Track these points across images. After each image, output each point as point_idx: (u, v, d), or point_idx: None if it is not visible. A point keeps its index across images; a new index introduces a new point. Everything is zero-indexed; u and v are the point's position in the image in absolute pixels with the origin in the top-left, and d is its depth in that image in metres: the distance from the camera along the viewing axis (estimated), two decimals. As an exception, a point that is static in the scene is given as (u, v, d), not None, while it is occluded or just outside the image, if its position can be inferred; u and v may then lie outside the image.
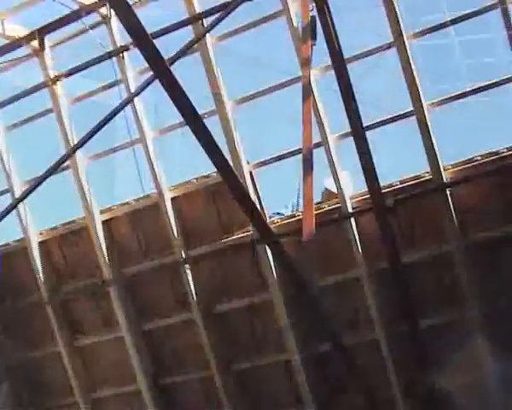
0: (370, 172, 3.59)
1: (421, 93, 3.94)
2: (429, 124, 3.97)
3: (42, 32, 4.42)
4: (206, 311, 4.58)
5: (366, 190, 3.89)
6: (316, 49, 3.70)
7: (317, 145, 4.20)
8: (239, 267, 4.50)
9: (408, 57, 3.90)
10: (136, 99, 4.26)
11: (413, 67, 3.91)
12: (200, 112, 2.83)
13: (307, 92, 3.60)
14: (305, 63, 3.73)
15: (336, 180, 4.18)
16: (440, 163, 4.00)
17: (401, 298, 3.89)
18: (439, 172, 4.00)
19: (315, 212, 3.45)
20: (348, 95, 3.41)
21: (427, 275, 4.17)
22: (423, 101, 3.96)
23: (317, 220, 3.76)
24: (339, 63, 3.39)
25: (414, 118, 3.99)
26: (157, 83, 2.80)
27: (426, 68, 4.24)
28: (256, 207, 3.10)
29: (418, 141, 4.02)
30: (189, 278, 4.51)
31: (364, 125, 3.62)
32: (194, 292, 4.52)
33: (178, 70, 3.00)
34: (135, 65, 4.38)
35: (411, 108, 3.98)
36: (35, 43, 4.46)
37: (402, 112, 4.03)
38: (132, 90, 4.30)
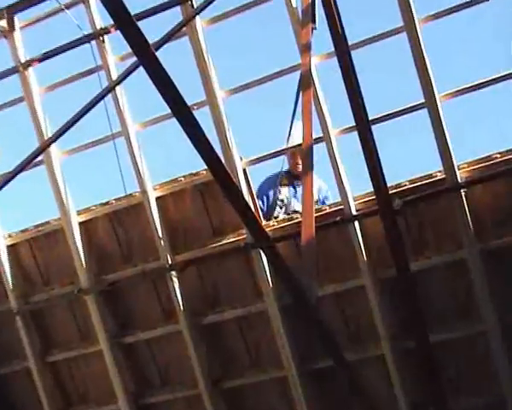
0: (376, 171, 3.58)
1: (433, 84, 3.95)
2: (442, 117, 3.98)
3: (11, 11, 4.41)
4: (195, 322, 4.59)
5: (371, 190, 3.88)
6: (317, 33, 3.73)
7: (318, 140, 4.21)
8: (231, 274, 4.51)
9: (419, 42, 3.90)
10: (117, 88, 4.25)
11: (425, 54, 3.92)
12: (188, 103, 2.83)
13: (307, 82, 3.62)
14: (305, 49, 3.74)
15: (338, 179, 4.19)
16: (454, 161, 4.01)
17: (409, 310, 3.90)
18: (453, 171, 4.01)
19: (315, 214, 3.46)
20: (352, 84, 3.41)
21: (439, 284, 4.18)
22: (436, 92, 3.97)
23: (318, 223, 3.79)
24: (342, 49, 3.38)
25: (425, 111, 3.99)
26: (141, 70, 2.79)
27: (438, 55, 4.25)
28: (250, 208, 3.10)
29: (429, 137, 4.04)
30: (176, 285, 4.51)
31: (370, 118, 3.62)
32: (181, 301, 4.53)
33: (165, 56, 3.02)
34: (116, 50, 4.39)
35: (422, 100, 3.99)
36: (3, 23, 4.44)
37: (412, 104, 4.04)
38: (114, 78, 4.29)
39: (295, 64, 4.14)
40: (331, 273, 4.33)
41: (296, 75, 4.14)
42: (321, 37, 3.77)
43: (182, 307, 4.53)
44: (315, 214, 3.53)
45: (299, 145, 4.06)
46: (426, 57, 3.93)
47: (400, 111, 4.07)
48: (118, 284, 4.63)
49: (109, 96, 4.16)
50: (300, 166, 4.53)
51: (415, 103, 4.03)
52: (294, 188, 4.88)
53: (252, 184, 4.42)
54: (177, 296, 4.52)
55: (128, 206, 4.50)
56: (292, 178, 4.75)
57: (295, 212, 4.69)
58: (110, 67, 4.36)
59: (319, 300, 4.02)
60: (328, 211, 4.27)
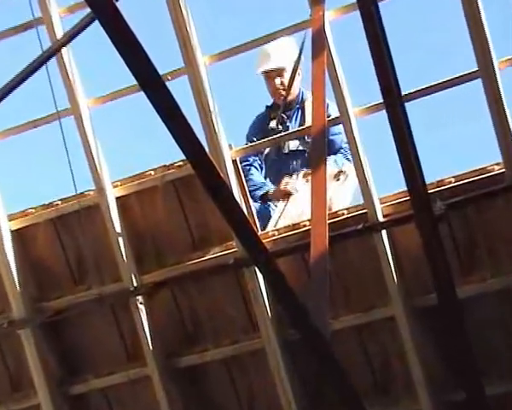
0: (411, 163, 3.57)
1: (491, 49, 3.93)
2: (501, 91, 3.96)
3: None
4: (168, 365, 4.57)
5: (404, 189, 3.87)
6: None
7: (333, 122, 4.19)
8: (216, 300, 4.50)
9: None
10: (63, 50, 4.21)
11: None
12: (161, 71, 2.80)
13: (320, 43, 3.61)
14: (317, 1, 3.74)
15: (360, 174, 4.17)
16: (518, 150, 4.01)
17: (456, 349, 3.87)
18: (516, 163, 4.02)
19: (329, 220, 3.44)
20: (380, 47, 3.38)
21: (495, 317, 4.16)
22: (494, 57, 3.95)
23: (332, 232, 3.76)
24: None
25: (478, 81, 3.96)
26: (96, 26, 2.76)
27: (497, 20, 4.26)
28: (242, 212, 3.08)
29: (484, 117, 4.02)
30: (143, 315, 4.50)
31: (404, 92, 3.60)
32: (149, 336, 4.50)
33: (129, 9, 2.97)
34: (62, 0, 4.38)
35: (475, 68, 3.96)
36: None
37: (460, 73, 4.02)
38: (58, 36, 4.24)
39: (303, 21, 4.11)
40: (350, 300, 4.31)
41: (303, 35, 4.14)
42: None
43: (150, 345, 4.51)
44: (328, 220, 3.52)
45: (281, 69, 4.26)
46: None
47: (445, 82, 4.04)
48: (64, 313, 4.60)
49: (53, 60, 4.11)
50: (282, 91, 4.70)
51: (466, 72, 4.01)
52: (283, 122, 4.92)
53: (244, 180, 4.39)
54: (144, 330, 4.50)
55: (79, 209, 4.48)
56: (277, 109, 4.80)
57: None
58: (53, 22, 4.31)
59: (334, 335, 3.98)
60: (346, 216, 4.25)
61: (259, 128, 4.83)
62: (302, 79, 4.91)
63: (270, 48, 4.80)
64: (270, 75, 4.77)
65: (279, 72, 4.83)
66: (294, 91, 4.79)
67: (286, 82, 4.87)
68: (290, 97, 4.77)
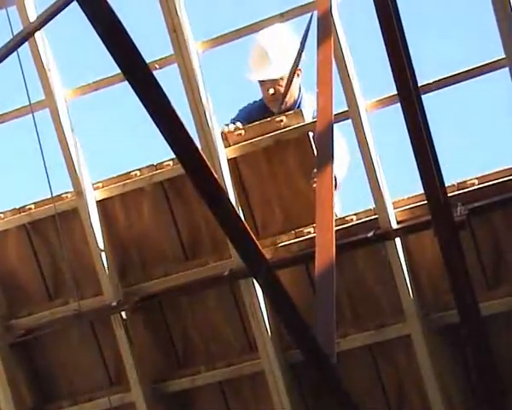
0: (428, 163, 3.59)
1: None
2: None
3: None
4: (154, 389, 4.57)
5: (420, 192, 3.90)
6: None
7: (340, 116, 4.18)
8: (209, 317, 4.50)
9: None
10: (37, 34, 4.21)
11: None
12: (147, 59, 2.81)
13: (326, 28, 3.62)
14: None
15: (371, 175, 4.17)
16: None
17: (480, 373, 3.87)
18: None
19: (336, 227, 3.44)
20: (393, 31, 3.39)
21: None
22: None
23: (340, 241, 3.75)
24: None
25: (506, 70, 3.96)
26: (74, 8, 2.76)
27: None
28: (239, 217, 3.08)
29: (510, 112, 4.03)
30: (127, 333, 4.49)
31: (420, 83, 3.61)
32: (133, 358, 4.50)
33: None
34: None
35: (502, 55, 3.96)
36: None
37: (484, 62, 4.01)
38: (32, 18, 4.25)
39: (308, 2, 4.13)
40: (360, 316, 4.32)
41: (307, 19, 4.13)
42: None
43: (135, 368, 4.51)
44: (336, 227, 3.51)
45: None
46: None
47: (468, 71, 4.03)
48: (37, 331, 4.61)
49: (25, 46, 4.11)
50: (276, 102, 4.63)
51: (492, 60, 4.00)
52: None
53: (243, 180, 4.39)
54: (128, 350, 4.50)
55: (55, 213, 4.43)
56: (267, 114, 4.74)
57: None
58: (26, 2, 4.32)
59: (342, 355, 3.99)
60: (355, 222, 4.26)
61: (251, 120, 4.78)
62: (302, 78, 4.81)
63: (269, 48, 4.63)
64: (265, 84, 4.67)
65: (276, 81, 4.69)
66: (294, 94, 4.73)
67: (282, 90, 4.73)
68: (288, 102, 4.69)
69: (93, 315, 4.55)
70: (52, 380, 4.73)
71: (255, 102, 4.85)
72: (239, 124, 4.49)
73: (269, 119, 4.37)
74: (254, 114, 4.75)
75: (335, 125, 4.43)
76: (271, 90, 4.65)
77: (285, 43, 4.61)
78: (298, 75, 4.72)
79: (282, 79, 4.66)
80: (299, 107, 4.72)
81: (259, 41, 4.60)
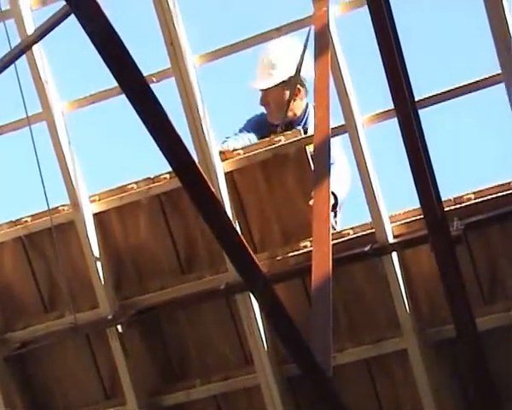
0: (425, 177, 3.58)
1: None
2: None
3: None
4: (150, 403, 4.56)
5: (417, 206, 3.90)
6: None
7: (337, 131, 4.18)
8: (205, 331, 4.50)
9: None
10: (35, 47, 4.22)
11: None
12: (145, 72, 2.81)
13: (324, 42, 3.62)
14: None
15: (368, 189, 4.17)
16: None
17: (477, 388, 3.86)
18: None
19: (333, 241, 3.44)
20: (391, 46, 3.40)
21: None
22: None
23: (337, 255, 3.74)
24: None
25: (501, 86, 3.97)
26: (72, 21, 2.77)
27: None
28: (235, 230, 3.08)
29: (507, 127, 4.05)
30: (122, 346, 4.48)
31: (417, 98, 3.61)
32: (128, 371, 4.49)
33: (111, 3, 2.99)
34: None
35: (498, 71, 3.96)
36: None
37: (481, 77, 4.02)
38: (29, 31, 4.25)
39: (305, 17, 4.14)
40: (356, 331, 4.31)
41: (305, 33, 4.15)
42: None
43: (130, 381, 4.50)
44: (332, 241, 3.51)
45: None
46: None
47: (465, 87, 4.03)
48: (32, 344, 4.59)
49: (22, 58, 4.11)
50: (272, 114, 4.60)
51: (488, 75, 4.00)
52: None
53: (240, 192, 4.39)
54: (123, 363, 4.49)
55: (51, 226, 4.44)
56: (273, 126, 4.71)
57: None
58: (24, 15, 4.33)
59: (339, 370, 3.98)
60: (352, 236, 4.25)
61: (258, 131, 4.75)
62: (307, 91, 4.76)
63: (274, 59, 4.60)
64: (265, 98, 4.65)
65: (268, 92, 4.62)
66: (296, 109, 4.67)
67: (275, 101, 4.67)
68: (293, 115, 4.65)
69: (89, 328, 4.54)
70: (47, 393, 4.72)
71: (263, 113, 4.84)
72: (240, 141, 4.50)
73: (267, 139, 4.37)
74: (262, 124, 4.74)
75: (340, 143, 4.47)
76: (262, 100, 4.66)
77: (290, 54, 4.62)
78: (303, 86, 4.67)
79: (277, 90, 4.65)
80: (305, 124, 4.71)
81: (267, 51, 4.60)
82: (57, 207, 4.51)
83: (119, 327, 4.47)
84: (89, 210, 4.46)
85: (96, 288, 4.47)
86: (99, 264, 4.46)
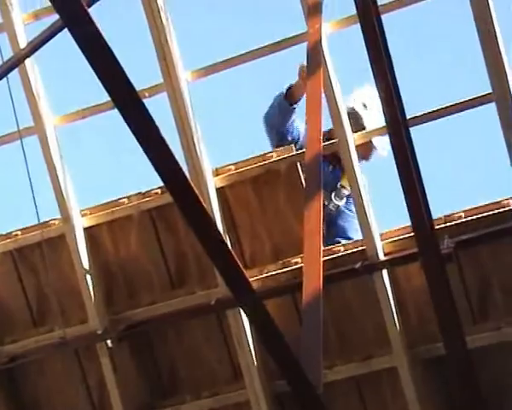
0: (416, 196, 3.59)
1: (507, 70, 3.95)
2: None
3: None
4: (139, 419, 4.54)
5: (408, 224, 3.90)
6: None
7: (329, 148, 4.21)
8: (195, 346, 4.49)
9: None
10: (27, 61, 4.22)
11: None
12: (138, 87, 2.81)
13: (316, 59, 3.63)
14: (315, 12, 3.76)
15: (359, 206, 4.18)
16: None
17: (467, 406, 3.86)
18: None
19: (323, 257, 3.44)
20: (383, 63, 3.41)
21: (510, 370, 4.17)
22: (510, 80, 3.98)
23: (328, 271, 3.74)
24: (368, 11, 3.39)
25: (492, 105, 3.99)
26: (65, 35, 2.77)
27: None
28: (226, 246, 3.07)
29: (497, 146, 4.04)
30: (112, 362, 4.47)
31: (409, 116, 3.62)
32: (118, 387, 4.47)
33: (104, 18, 2.99)
34: (27, 4, 4.39)
35: (489, 91, 3.99)
36: None
37: (472, 96, 4.04)
38: (22, 45, 4.25)
39: (298, 34, 4.15)
40: (347, 348, 4.31)
41: (299, 49, 4.16)
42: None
43: (119, 396, 4.48)
44: (323, 258, 3.51)
45: None
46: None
47: (455, 105, 4.05)
48: (21, 359, 4.57)
49: (15, 72, 4.10)
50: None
51: (480, 94, 4.02)
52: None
53: (232, 208, 4.39)
54: (113, 379, 4.47)
55: (41, 240, 4.45)
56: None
57: None
58: (16, 29, 4.32)
59: (328, 387, 3.97)
60: (343, 253, 4.26)
61: (285, 119, 4.80)
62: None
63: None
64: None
65: None
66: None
67: None
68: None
69: (78, 343, 4.52)
70: (36, 408, 4.69)
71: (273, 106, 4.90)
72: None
73: (259, 154, 4.37)
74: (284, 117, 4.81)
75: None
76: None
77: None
78: None
79: None
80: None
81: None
82: (48, 221, 4.50)
83: (108, 342, 4.45)
84: (79, 224, 4.45)
85: (85, 302, 4.46)
86: (89, 278, 4.45)
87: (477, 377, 3.89)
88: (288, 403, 4.34)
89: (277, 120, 4.89)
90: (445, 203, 4.44)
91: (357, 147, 4.25)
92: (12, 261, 4.61)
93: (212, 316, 4.43)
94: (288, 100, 4.84)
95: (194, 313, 4.41)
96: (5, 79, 3.80)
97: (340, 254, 4.25)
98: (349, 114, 4.39)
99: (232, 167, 4.36)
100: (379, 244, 4.18)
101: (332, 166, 4.88)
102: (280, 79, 4.85)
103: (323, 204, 4.81)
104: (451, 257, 3.94)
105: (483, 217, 4.09)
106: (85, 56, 2.61)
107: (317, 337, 3.33)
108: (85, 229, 4.47)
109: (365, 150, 4.83)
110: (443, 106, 4.10)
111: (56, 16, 3.38)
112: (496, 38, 3.96)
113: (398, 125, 3.54)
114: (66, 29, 2.66)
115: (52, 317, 4.57)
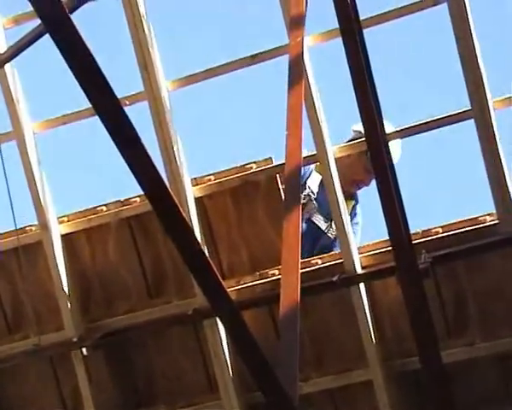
0: (394, 210, 3.60)
1: (485, 86, 3.98)
2: (496, 133, 4.01)
3: None
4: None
5: (385, 238, 3.91)
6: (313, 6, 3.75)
7: (309, 160, 4.20)
8: (171, 356, 4.48)
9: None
10: (7, 66, 4.21)
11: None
12: (119, 95, 2.80)
13: (297, 72, 3.64)
14: (297, 25, 3.77)
15: (337, 219, 4.19)
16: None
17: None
18: (512, 214, 4.04)
19: (301, 269, 3.44)
20: (363, 79, 3.42)
21: (487, 385, 4.16)
22: (489, 98, 3.99)
23: (305, 283, 3.74)
24: (350, 25, 3.40)
25: (471, 122, 4.02)
26: (46, 40, 2.75)
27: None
28: (204, 255, 3.06)
29: (475, 162, 4.08)
30: (87, 370, 4.44)
31: (388, 131, 3.65)
32: (92, 396, 4.45)
33: (86, 24, 2.98)
34: (6, 8, 4.36)
35: (468, 107, 4.01)
36: None
37: (445, 114, 4.07)
38: (1, 50, 4.24)
39: (279, 46, 4.16)
40: (323, 361, 4.31)
41: (279, 62, 4.17)
42: (318, 8, 3.80)
43: (93, 405, 4.46)
44: (301, 270, 3.50)
45: None
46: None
47: (434, 121, 4.07)
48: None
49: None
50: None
51: (458, 111, 4.05)
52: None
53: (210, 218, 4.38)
54: (87, 387, 4.45)
55: (18, 246, 4.43)
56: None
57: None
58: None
59: (304, 399, 3.96)
60: (320, 266, 4.25)
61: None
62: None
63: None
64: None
65: None
66: None
67: None
68: None
69: (53, 350, 4.49)
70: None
71: None
72: None
73: (238, 165, 4.38)
74: None
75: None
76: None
77: None
78: None
79: None
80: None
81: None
82: (25, 227, 4.47)
83: (83, 350, 4.42)
84: (57, 231, 4.43)
85: (62, 309, 4.43)
86: (66, 285, 4.42)
87: (451, 392, 3.91)
88: (263, 414, 4.34)
89: None
90: (422, 218, 4.46)
91: (355, 173, 4.33)
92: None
93: (189, 326, 4.41)
94: None
95: (171, 322, 4.40)
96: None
97: (317, 267, 4.25)
98: (355, 138, 4.48)
99: (211, 177, 4.36)
100: (356, 258, 4.19)
101: None
102: (262, 91, 4.86)
103: (322, 231, 4.90)
104: (428, 272, 3.95)
105: (460, 233, 4.11)
106: (67, 62, 2.60)
107: (293, 349, 3.32)
108: (63, 236, 4.45)
109: (363, 176, 4.89)
110: (422, 121, 4.12)
111: (37, 21, 3.37)
112: (476, 56, 3.99)
113: (378, 140, 3.56)
114: (47, 34, 2.65)
115: (27, 324, 4.55)
